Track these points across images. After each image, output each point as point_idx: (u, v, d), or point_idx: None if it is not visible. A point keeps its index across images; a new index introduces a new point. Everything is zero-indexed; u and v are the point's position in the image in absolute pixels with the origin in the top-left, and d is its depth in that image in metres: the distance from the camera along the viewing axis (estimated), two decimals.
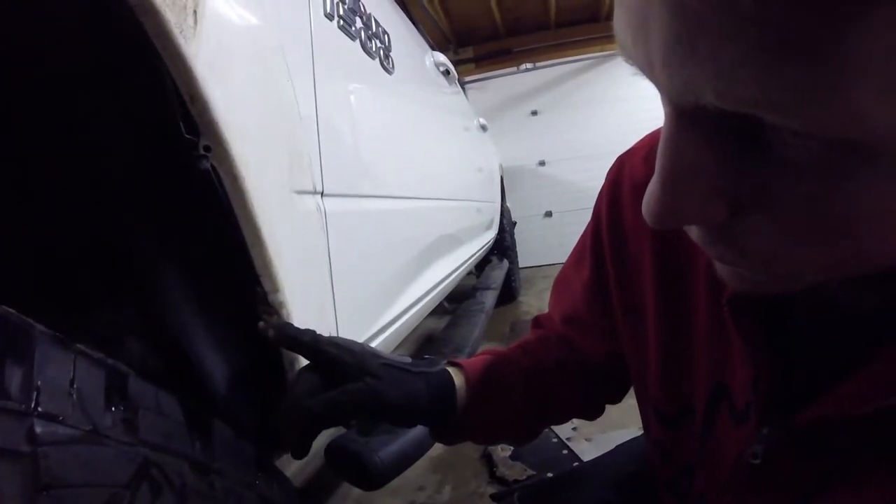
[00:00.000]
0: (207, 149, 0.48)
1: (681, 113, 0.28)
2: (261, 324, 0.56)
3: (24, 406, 0.29)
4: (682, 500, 0.61)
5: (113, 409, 0.34)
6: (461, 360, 0.68)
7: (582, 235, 0.70)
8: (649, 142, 0.59)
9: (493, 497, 1.56)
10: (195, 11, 0.46)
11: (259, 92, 0.56)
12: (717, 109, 0.25)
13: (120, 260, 0.56)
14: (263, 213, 0.53)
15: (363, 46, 0.97)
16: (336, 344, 0.56)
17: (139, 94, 0.46)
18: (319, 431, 0.54)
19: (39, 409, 0.30)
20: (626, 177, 0.60)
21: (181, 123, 0.46)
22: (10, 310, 0.33)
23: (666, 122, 0.29)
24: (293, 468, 1.78)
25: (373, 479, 0.86)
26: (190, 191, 0.51)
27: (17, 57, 0.45)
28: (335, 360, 0.55)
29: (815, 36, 0.20)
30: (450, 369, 0.65)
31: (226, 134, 0.48)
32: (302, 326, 0.59)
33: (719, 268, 0.37)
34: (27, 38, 0.44)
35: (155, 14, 0.42)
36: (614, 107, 5.61)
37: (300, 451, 0.53)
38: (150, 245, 0.56)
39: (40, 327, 0.33)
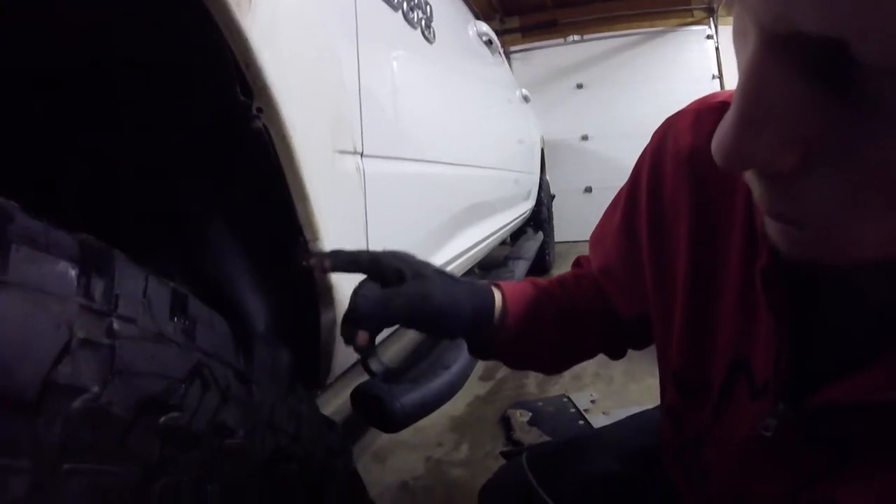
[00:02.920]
0: (260, 110, 0.53)
1: (770, 42, 0.26)
2: (312, 260, 0.59)
3: (106, 308, 0.36)
4: (687, 469, 0.62)
5: (175, 319, 0.41)
6: (502, 282, 0.71)
7: (617, 194, 0.70)
8: (697, 108, 0.57)
9: (502, 454, 1.61)
10: None
11: (306, 59, 0.60)
12: (812, 38, 0.24)
13: (174, 209, 0.61)
14: (308, 169, 0.58)
15: (405, 17, 1.00)
16: (393, 254, 0.60)
17: (202, 61, 0.51)
18: (378, 327, 0.58)
19: (118, 311, 0.37)
20: (670, 141, 0.59)
21: (237, 87, 0.51)
22: (92, 237, 0.40)
23: (751, 57, 0.27)
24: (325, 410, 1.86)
25: (393, 422, 0.93)
26: (241, 149, 0.56)
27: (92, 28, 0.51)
28: (393, 267, 0.58)
29: None
30: (493, 288, 0.68)
31: (276, 97, 0.53)
32: (338, 274, 0.63)
33: (772, 229, 0.36)
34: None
35: None
36: (661, 86, 5.49)
37: (363, 350, 0.57)
38: (202, 197, 0.61)
39: (118, 251, 0.40)
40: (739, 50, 0.30)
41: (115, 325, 0.36)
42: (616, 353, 0.78)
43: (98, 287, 0.36)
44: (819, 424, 0.44)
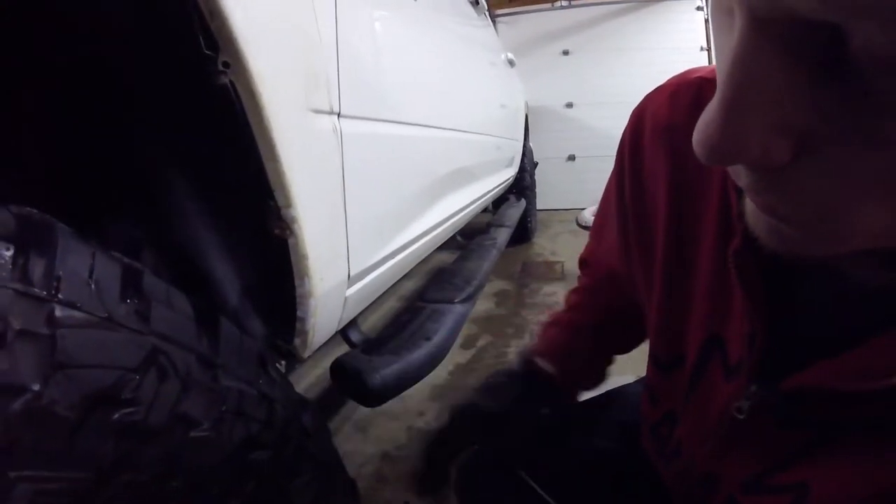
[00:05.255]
0: (226, 64, 0.49)
1: (760, 26, 0.24)
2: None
3: (45, 293, 0.32)
4: (662, 445, 0.63)
5: (127, 301, 0.37)
6: (539, 348, 0.80)
7: (609, 178, 0.70)
8: (674, 83, 0.57)
9: None
10: None
11: (278, 10, 0.56)
12: (807, 23, 0.22)
13: (139, 174, 0.57)
14: (279, 128, 0.54)
15: None
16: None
17: (161, 8, 0.47)
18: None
19: (60, 296, 0.32)
20: (648, 118, 0.59)
21: (201, 39, 0.47)
22: (34, 210, 0.35)
23: (739, 40, 0.24)
24: (303, 383, 1.85)
25: (373, 396, 0.90)
26: (207, 106, 0.52)
27: None
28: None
29: None
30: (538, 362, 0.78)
31: (244, 50, 0.49)
32: (313, 242, 0.62)
33: (754, 220, 0.34)
34: None
35: None
36: (648, 55, 5.40)
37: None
38: (167, 160, 0.57)
39: (62, 225, 0.36)
40: (721, 29, 0.27)
41: (57, 313, 0.32)
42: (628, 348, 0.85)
43: (37, 269, 0.32)
44: (791, 408, 0.44)
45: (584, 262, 0.87)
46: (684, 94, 0.55)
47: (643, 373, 0.81)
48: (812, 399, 0.42)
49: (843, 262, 0.39)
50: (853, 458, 0.40)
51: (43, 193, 0.55)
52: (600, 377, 0.83)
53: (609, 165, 0.69)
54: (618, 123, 0.65)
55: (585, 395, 0.83)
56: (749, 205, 0.34)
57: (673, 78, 0.58)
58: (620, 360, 0.83)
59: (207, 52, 0.48)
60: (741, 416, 0.47)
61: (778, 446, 0.46)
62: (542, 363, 0.77)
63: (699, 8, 5.45)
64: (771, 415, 0.46)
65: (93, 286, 0.35)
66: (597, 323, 0.79)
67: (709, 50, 5.41)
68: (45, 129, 0.56)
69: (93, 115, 0.56)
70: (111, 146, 0.57)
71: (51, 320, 0.31)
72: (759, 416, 0.46)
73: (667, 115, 0.56)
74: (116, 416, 0.34)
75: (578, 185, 5.52)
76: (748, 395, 0.47)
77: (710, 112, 0.26)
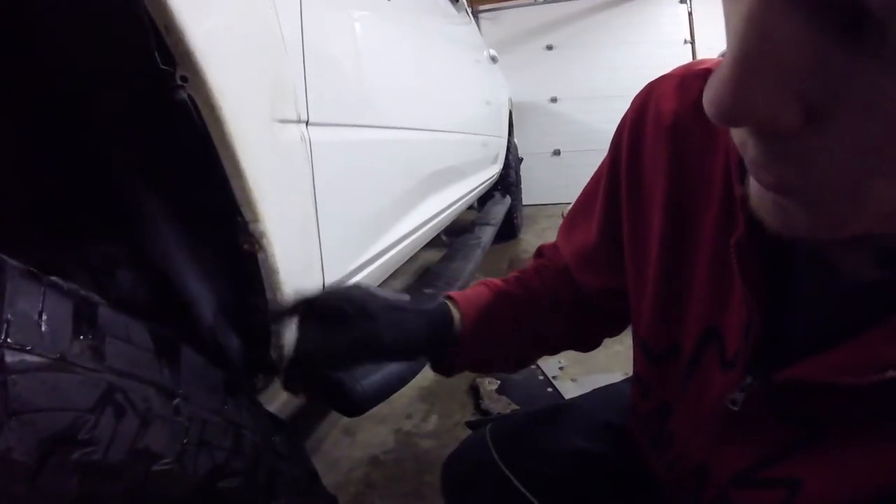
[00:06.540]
0: (184, 79, 0.47)
1: None
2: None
3: None
4: (654, 437, 0.62)
5: (81, 337, 0.36)
6: (456, 293, 0.69)
7: (600, 165, 0.69)
8: (682, 73, 0.56)
9: (468, 424, 1.63)
10: None
11: (238, 19, 0.55)
12: None
13: (111, 193, 0.56)
14: (242, 142, 0.53)
15: None
16: (333, 293, 0.57)
17: (117, 25, 0.45)
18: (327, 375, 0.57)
19: (9, 340, 0.31)
20: (652, 106, 0.57)
21: (157, 54, 0.46)
22: None
23: (752, 2, 0.24)
24: (284, 395, 1.83)
25: (354, 406, 0.89)
26: (171, 122, 0.50)
27: None
28: (335, 309, 0.57)
29: None
30: (447, 303, 0.67)
31: (202, 63, 0.47)
32: (283, 255, 0.61)
33: (759, 201, 0.34)
34: None
35: None
36: (632, 49, 5.45)
37: (311, 395, 0.57)
38: (135, 176, 0.56)
39: (12, 262, 0.35)
40: None
41: (8, 358, 0.31)
42: (587, 344, 0.79)
43: None
44: (785, 401, 0.44)
45: (539, 252, 0.82)
46: (691, 84, 0.54)
47: (630, 371, 0.80)
48: (806, 392, 0.41)
49: (838, 256, 0.40)
50: (847, 454, 0.40)
51: (25, 213, 0.54)
52: (503, 359, 0.74)
53: (594, 159, 0.67)
54: (602, 117, 0.64)
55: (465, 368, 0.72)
56: (754, 186, 0.34)
57: (680, 68, 0.57)
58: (610, 357, 0.81)
59: (164, 67, 0.46)
60: (735, 408, 0.47)
61: (772, 440, 0.46)
62: (453, 309, 0.68)
63: (682, 1, 5.47)
64: (765, 407, 0.46)
65: (44, 327, 0.34)
66: (524, 298, 0.72)
67: (692, 43, 5.44)
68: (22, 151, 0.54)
69: (55, 132, 0.54)
70: (80, 163, 0.55)
71: (1, 366, 0.30)
72: (754, 409, 0.46)
73: (673, 105, 0.55)
74: (75, 455, 0.34)
75: (564, 180, 5.54)
76: (743, 387, 0.47)
77: (722, 71, 0.26)
